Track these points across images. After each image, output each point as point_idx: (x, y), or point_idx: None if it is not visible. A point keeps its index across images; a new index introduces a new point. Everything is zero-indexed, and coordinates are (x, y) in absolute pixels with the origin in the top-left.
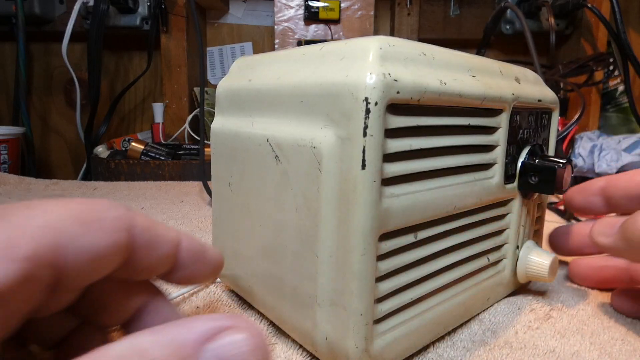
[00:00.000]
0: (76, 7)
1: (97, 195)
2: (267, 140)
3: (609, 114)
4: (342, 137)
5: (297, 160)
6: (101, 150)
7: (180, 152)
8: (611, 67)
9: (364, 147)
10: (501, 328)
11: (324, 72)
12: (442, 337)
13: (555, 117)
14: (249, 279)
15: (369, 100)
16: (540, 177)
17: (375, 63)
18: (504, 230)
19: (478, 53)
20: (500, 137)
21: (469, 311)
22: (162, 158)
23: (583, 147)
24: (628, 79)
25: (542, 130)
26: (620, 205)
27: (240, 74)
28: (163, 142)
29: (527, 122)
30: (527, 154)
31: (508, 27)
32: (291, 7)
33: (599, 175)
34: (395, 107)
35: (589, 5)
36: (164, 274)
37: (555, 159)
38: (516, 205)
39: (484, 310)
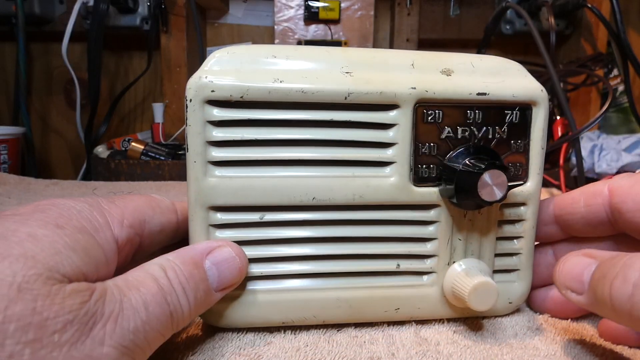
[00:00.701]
0: (76, 7)
1: (97, 196)
2: None
3: (609, 114)
4: None
5: None
6: (101, 150)
7: (180, 152)
8: (610, 66)
9: (186, 134)
10: (500, 329)
11: None
12: (442, 335)
13: (540, 114)
14: None
15: (187, 98)
16: (449, 182)
17: (205, 69)
18: (429, 239)
19: (478, 53)
20: (398, 135)
21: (361, 313)
22: (162, 158)
23: (583, 147)
24: (628, 79)
25: (510, 128)
26: (582, 233)
27: None
28: (163, 142)
29: (464, 119)
30: (455, 155)
31: (508, 27)
32: (291, 7)
33: (599, 175)
34: (220, 103)
35: (589, 5)
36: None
37: (478, 163)
38: (444, 213)
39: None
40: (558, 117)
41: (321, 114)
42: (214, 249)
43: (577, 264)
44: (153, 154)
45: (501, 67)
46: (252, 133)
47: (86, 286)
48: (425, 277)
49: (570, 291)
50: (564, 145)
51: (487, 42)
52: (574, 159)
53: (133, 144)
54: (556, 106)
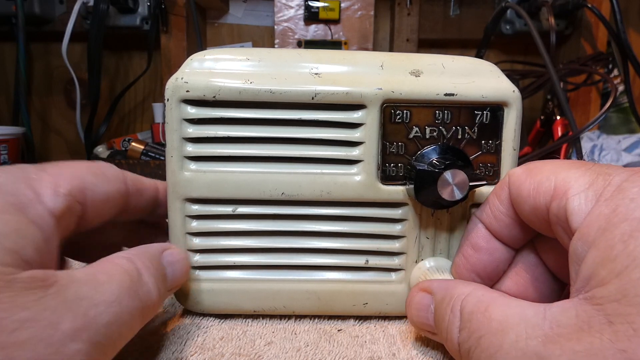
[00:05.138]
0: (76, 7)
1: None
2: None
3: (609, 114)
4: None
5: None
6: (101, 150)
7: None
8: (610, 66)
9: (164, 130)
10: None
11: None
12: None
13: (511, 115)
14: None
15: (165, 97)
16: (410, 181)
17: (182, 71)
18: (397, 237)
19: (478, 53)
20: (365, 134)
21: (329, 306)
22: (162, 158)
23: (583, 147)
24: (628, 79)
25: (480, 129)
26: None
27: None
28: (163, 142)
29: (432, 119)
30: (422, 155)
31: (508, 27)
32: (291, 7)
33: None
34: (194, 102)
35: (589, 5)
36: (149, 213)
37: (440, 162)
38: (411, 212)
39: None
40: (558, 117)
41: (290, 113)
42: (167, 250)
43: (421, 306)
44: (153, 154)
45: (473, 68)
46: (224, 130)
47: (41, 278)
48: (393, 274)
49: (429, 333)
50: (564, 145)
51: (487, 42)
52: (574, 159)
53: (133, 144)
54: (556, 106)
